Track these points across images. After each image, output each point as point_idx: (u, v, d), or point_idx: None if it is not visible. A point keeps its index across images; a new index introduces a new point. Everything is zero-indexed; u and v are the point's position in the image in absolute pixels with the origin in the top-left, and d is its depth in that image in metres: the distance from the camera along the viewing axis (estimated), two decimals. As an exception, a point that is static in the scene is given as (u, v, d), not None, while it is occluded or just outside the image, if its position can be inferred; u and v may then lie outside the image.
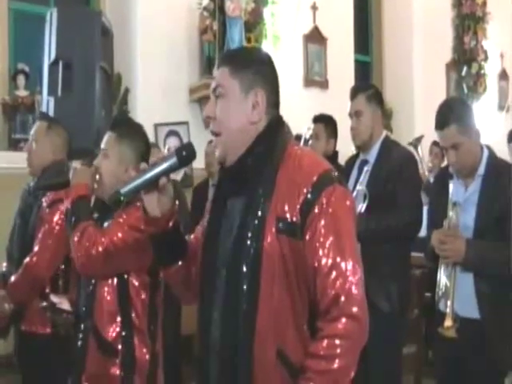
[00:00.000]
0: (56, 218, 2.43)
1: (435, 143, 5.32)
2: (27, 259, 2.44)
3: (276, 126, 1.48)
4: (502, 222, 2.26)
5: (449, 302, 2.28)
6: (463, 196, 2.38)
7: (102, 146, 2.14)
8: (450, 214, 2.35)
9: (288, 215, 1.36)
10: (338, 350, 1.30)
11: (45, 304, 2.18)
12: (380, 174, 2.78)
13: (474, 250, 2.24)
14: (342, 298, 1.31)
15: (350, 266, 1.34)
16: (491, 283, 2.28)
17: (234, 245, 1.41)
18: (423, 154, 5.38)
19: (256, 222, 1.38)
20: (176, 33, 4.88)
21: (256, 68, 1.47)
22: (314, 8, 5.83)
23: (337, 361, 1.30)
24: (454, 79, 7.13)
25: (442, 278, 2.35)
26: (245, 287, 1.36)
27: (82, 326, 2.07)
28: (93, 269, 2.03)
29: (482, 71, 7.20)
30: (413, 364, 3.84)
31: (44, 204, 2.49)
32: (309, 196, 1.36)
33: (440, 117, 2.35)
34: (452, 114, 2.32)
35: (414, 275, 3.45)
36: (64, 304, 2.11)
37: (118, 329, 2.03)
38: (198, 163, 4.90)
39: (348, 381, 1.35)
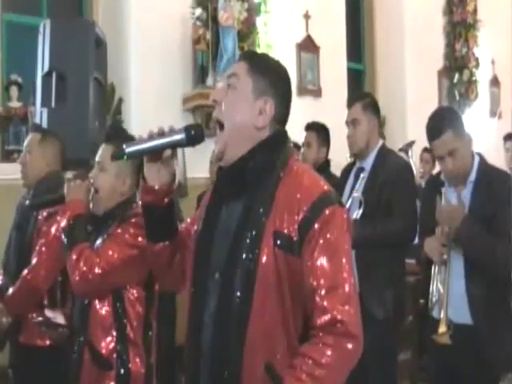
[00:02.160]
0: (54, 230, 2.41)
1: (426, 149, 5.35)
2: (25, 272, 2.43)
3: (281, 137, 1.49)
4: (491, 226, 2.28)
5: (442, 309, 2.29)
6: (455, 203, 2.39)
7: (98, 159, 2.14)
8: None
9: (286, 231, 1.36)
10: (329, 360, 1.29)
11: (40, 319, 2.17)
12: (376, 182, 2.80)
13: (468, 225, 2.26)
14: (340, 319, 1.31)
15: (347, 287, 1.35)
16: (483, 288, 2.29)
17: (230, 253, 1.40)
18: (414, 159, 5.41)
19: (253, 233, 1.37)
20: (169, 43, 4.89)
21: (273, 78, 1.48)
22: (307, 17, 5.86)
23: (325, 369, 1.29)
24: (446, 86, 7.17)
25: (436, 285, 2.37)
26: (237, 299, 1.36)
27: (77, 339, 2.06)
28: (90, 290, 2.03)
29: (474, 78, 7.25)
30: (408, 370, 3.85)
31: (41, 216, 2.48)
32: (308, 215, 1.36)
33: (434, 126, 2.36)
34: (445, 120, 2.34)
35: (408, 282, 3.46)
36: (59, 318, 2.10)
37: (112, 342, 2.03)
38: (193, 173, 4.93)
39: None
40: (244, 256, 1.37)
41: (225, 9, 4.90)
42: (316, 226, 1.35)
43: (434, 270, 2.39)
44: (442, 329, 2.28)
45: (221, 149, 1.46)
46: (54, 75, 3.22)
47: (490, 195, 2.31)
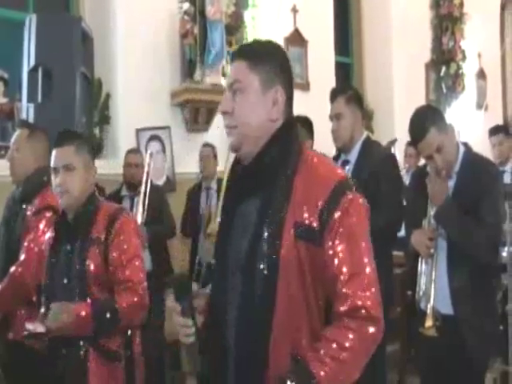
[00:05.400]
0: (42, 226, 2.41)
1: (410, 143, 5.36)
2: (13, 268, 2.42)
3: (290, 127, 1.47)
4: (474, 213, 2.31)
5: (429, 303, 2.32)
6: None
7: (62, 163, 2.16)
8: (431, 213, 2.39)
9: (307, 221, 1.36)
10: (352, 343, 1.31)
11: (25, 333, 2.18)
12: (361, 174, 2.80)
13: (449, 206, 2.32)
14: (362, 305, 1.33)
15: (368, 272, 1.36)
16: (463, 278, 2.32)
17: (250, 248, 1.39)
18: (398, 157, 5.42)
19: (274, 226, 1.37)
20: (157, 37, 4.87)
21: (275, 63, 1.44)
22: (295, 11, 5.87)
23: (348, 352, 1.31)
24: (433, 79, 7.22)
25: (422, 278, 2.39)
26: (261, 293, 1.36)
27: (81, 342, 2.07)
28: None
29: (461, 71, 7.30)
30: (397, 362, 3.89)
31: (29, 212, 2.47)
32: (327, 203, 1.36)
33: (416, 129, 2.38)
34: (425, 120, 2.36)
35: (396, 274, 3.49)
36: (39, 328, 2.10)
37: (121, 335, 2.09)
38: (181, 168, 4.91)
39: (357, 373, 1.36)
40: (265, 249, 1.36)
41: (212, 3, 4.89)
42: (336, 214, 1.36)
43: (421, 263, 2.41)
44: (429, 322, 2.30)
45: (236, 142, 1.44)
46: (40, 70, 3.20)
47: (474, 183, 2.34)
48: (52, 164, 2.19)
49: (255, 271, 1.37)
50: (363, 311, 1.32)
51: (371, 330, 1.33)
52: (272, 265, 1.35)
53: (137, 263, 2.11)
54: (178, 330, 1.42)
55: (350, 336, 1.31)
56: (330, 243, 1.36)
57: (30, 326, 2.16)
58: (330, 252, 1.36)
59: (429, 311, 2.32)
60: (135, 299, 2.05)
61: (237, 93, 1.43)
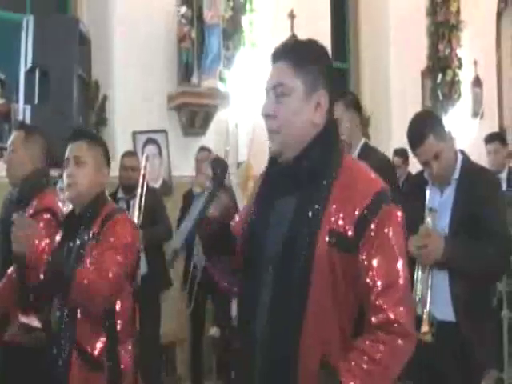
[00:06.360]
0: (40, 227, 2.39)
1: (396, 153, 5.38)
2: (11, 269, 2.40)
3: (332, 132, 1.46)
4: (474, 224, 2.30)
5: (425, 309, 2.31)
6: (439, 201, 2.42)
7: (74, 153, 2.14)
8: (428, 219, 2.39)
9: (342, 230, 1.36)
10: (383, 356, 1.31)
11: (18, 324, 2.16)
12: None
13: (451, 246, 2.27)
14: (395, 319, 1.32)
15: (402, 286, 1.36)
16: (467, 287, 2.32)
17: (284, 250, 1.39)
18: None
19: (308, 230, 1.36)
20: (154, 40, 4.88)
21: (320, 66, 1.43)
22: (292, 16, 5.87)
23: (379, 366, 1.31)
24: (429, 86, 7.23)
25: (418, 283, 2.39)
26: (293, 294, 1.35)
27: (63, 342, 2.03)
28: (109, 304, 2.02)
29: (457, 78, 7.32)
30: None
31: (27, 214, 2.45)
32: (365, 214, 1.35)
33: (416, 133, 2.38)
34: (425, 126, 2.37)
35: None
36: (34, 322, 2.08)
37: (102, 343, 2.01)
38: (177, 171, 4.90)
39: None
40: (298, 253, 1.36)
41: (210, 7, 4.90)
42: (373, 225, 1.35)
43: (418, 268, 2.41)
44: (425, 328, 2.30)
45: (278, 148, 1.43)
46: (37, 72, 3.20)
47: (474, 190, 2.34)
48: (65, 156, 2.17)
49: (288, 272, 1.37)
50: (396, 325, 1.32)
51: (403, 344, 1.33)
52: (305, 270, 1.35)
53: (118, 258, 2.00)
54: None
55: (382, 349, 1.31)
56: (365, 253, 1.35)
57: (24, 320, 2.14)
58: (365, 262, 1.35)
59: (425, 316, 2.31)
60: (100, 280, 1.92)
61: (280, 96, 1.41)
